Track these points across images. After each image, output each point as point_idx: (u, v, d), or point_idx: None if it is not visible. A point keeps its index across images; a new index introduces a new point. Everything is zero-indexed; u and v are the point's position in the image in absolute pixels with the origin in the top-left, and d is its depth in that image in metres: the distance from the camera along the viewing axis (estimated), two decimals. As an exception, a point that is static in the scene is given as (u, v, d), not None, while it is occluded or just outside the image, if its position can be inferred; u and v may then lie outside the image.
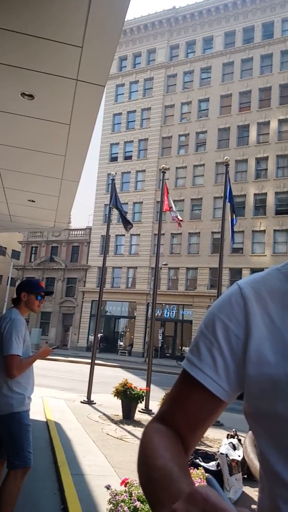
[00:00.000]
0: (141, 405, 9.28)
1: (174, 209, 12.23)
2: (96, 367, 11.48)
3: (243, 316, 0.78)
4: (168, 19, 40.06)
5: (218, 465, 4.80)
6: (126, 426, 8.02)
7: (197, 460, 4.90)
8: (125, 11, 3.08)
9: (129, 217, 37.65)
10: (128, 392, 8.59)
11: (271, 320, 0.76)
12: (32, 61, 3.60)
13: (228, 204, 11.52)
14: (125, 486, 3.22)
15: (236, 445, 5.39)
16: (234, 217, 11.83)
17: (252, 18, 36.97)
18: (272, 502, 0.72)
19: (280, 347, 0.73)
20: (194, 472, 3.81)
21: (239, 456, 5.11)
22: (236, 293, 0.81)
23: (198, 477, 3.71)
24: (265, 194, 33.70)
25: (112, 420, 8.48)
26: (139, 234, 38.00)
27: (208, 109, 37.84)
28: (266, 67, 36.14)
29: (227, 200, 11.46)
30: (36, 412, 8.03)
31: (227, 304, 0.81)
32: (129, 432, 7.59)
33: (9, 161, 5.67)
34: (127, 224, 12.43)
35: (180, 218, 12.51)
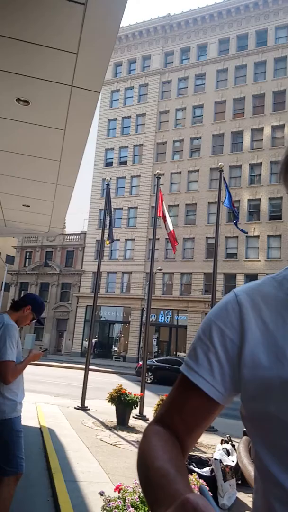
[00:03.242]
0: (135, 411, 9.25)
1: (169, 224, 12.04)
2: (90, 372, 11.43)
3: (238, 322, 0.81)
4: (163, 26, 40.36)
5: (212, 471, 4.79)
6: (120, 432, 7.98)
7: (191, 466, 4.88)
8: (120, 18, 3.11)
9: (123, 222, 38.05)
10: (122, 398, 8.56)
11: (265, 325, 0.79)
12: (27, 67, 3.62)
13: (225, 207, 11.59)
14: (119, 492, 3.20)
15: (230, 451, 5.39)
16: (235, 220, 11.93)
17: (246, 25, 37.36)
18: (267, 502, 0.74)
19: (273, 351, 0.76)
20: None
21: (233, 461, 5.10)
22: (232, 300, 0.85)
23: (192, 483, 3.70)
24: (259, 199, 33.88)
25: (106, 426, 8.44)
26: (134, 239, 38.02)
27: (202, 115, 38.08)
28: (260, 74, 36.48)
29: (227, 205, 11.52)
30: (30, 418, 7.97)
31: (223, 311, 0.84)
32: (123, 438, 7.55)
33: (4, 166, 5.67)
34: (111, 235, 12.30)
35: (175, 241, 12.24)
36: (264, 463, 0.74)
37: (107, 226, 12.63)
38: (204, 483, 3.86)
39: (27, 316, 3.37)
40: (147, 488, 0.69)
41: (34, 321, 3.48)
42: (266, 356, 0.76)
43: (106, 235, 12.25)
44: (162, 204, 11.63)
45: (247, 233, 13.14)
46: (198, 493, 0.59)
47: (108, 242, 12.45)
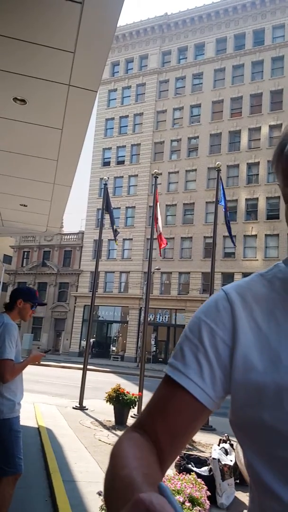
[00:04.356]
0: (133, 411, 9.24)
1: (159, 226, 12.00)
2: (88, 372, 11.42)
3: (231, 322, 0.76)
4: (160, 26, 40.34)
5: (210, 470, 4.79)
6: (118, 432, 7.98)
7: (190, 465, 4.89)
8: (117, 17, 3.10)
9: (121, 221, 38.01)
10: (120, 398, 8.55)
11: (258, 326, 0.75)
12: (24, 66, 3.61)
13: (219, 206, 11.55)
14: (117, 492, 3.19)
15: (228, 450, 5.39)
16: (226, 221, 11.81)
17: (243, 25, 37.37)
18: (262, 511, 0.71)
19: (267, 354, 0.71)
20: (186, 477, 3.80)
21: (231, 461, 5.10)
22: (222, 298, 0.80)
23: (190, 482, 3.70)
24: (257, 199, 33.94)
25: (104, 426, 8.44)
26: (131, 239, 38.02)
27: (199, 115, 38.10)
28: (257, 74, 36.51)
29: (221, 203, 11.50)
30: (28, 418, 7.96)
31: (214, 309, 0.79)
32: (121, 437, 7.54)
33: (1, 166, 5.65)
34: (115, 233, 12.50)
35: (164, 242, 12.21)
36: (259, 474, 0.69)
37: (105, 226, 12.65)
38: (203, 482, 3.86)
39: (25, 308, 3.35)
40: (110, 499, 0.61)
41: (35, 307, 3.44)
42: (260, 359, 0.71)
43: (107, 235, 12.38)
44: (157, 206, 11.58)
45: (235, 246, 12.65)
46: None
47: (117, 242, 12.57)
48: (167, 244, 12.61)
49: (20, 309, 3.34)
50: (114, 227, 12.79)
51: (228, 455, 5.24)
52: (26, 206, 7.05)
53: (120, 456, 0.67)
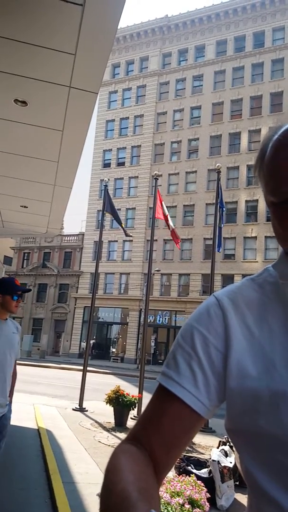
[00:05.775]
0: (133, 412, 9.23)
1: (170, 223, 12.11)
2: (88, 374, 11.41)
3: (223, 328, 0.76)
4: (161, 27, 40.43)
5: (210, 472, 4.79)
6: (118, 434, 7.97)
7: (189, 467, 4.88)
8: (118, 19, 3.11)
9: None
10: (120, 399, 8.55)
11: (250, 332, 0.74)
12: (25, 67, 3.62)
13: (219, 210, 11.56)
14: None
15: (228, 452, 5.38)
16: (221, 224, 11.77)
17: (244, 27, 37.45)
18: None
19: (260, 360, 0.71)
20: (186, 479, 3.80)
21: (230, 463, 5.09)
22: (214, 304, 0.79)
23: (190, 484, 3.70)
24: (257, 200, 33.94)
25: (104, 428, 8.43)
26: (131, 240, 38.02)
27: (200, 117, 38.16)
28: (257, 76, 36.58)
29: (221, 207, 11.52)
30: (28, 419, 7.96)
31: (205, 316, 0.78)
32: (121, 439, 7.52)
33: (2, 167, 5.67)
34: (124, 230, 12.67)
35: (178, 237, 12.39)
36: (257, 480, 0.68)
37: (105, 227, 12.68)
38: (202, 484, 3.85)
39: (5, 301, 3.20)
40: None
41: (18, 296, 3.26)
42: (254, 365, 0.71)
43: (107, 237, 12.44)
44: (162, 205, 11.62)
45: (219, 251, 12.48)
46: None
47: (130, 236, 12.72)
48: (180, 240, 12.87)
49: (2, 304, 3.20)
50: (122, 226, 12.95)
51: (227, 457, 5.23)
52: (27, 207, 7.06)
53: (116, 470, 0.66)
